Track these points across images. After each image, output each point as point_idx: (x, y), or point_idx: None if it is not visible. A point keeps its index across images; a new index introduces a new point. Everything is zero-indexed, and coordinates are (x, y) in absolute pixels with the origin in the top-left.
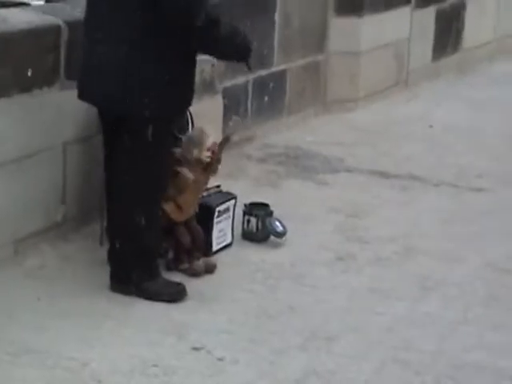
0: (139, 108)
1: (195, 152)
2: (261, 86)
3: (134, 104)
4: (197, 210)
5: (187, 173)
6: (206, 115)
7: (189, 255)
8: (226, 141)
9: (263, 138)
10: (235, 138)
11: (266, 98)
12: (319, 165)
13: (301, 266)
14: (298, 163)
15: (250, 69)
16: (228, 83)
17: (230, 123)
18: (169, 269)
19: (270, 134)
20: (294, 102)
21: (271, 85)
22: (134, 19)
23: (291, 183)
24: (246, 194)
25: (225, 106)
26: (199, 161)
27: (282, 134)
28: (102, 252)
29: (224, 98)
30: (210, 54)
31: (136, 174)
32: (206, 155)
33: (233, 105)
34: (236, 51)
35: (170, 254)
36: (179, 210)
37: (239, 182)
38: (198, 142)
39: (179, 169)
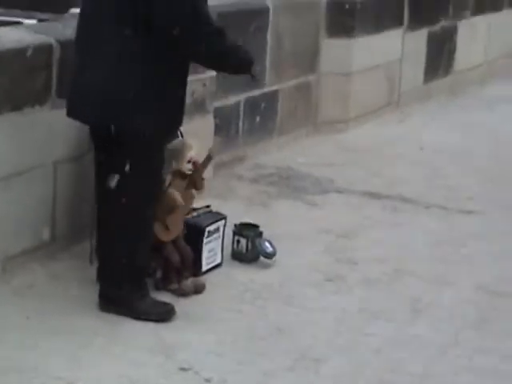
0: (130, 126)
1: (174, 163)
2: (252, 106)
3: (125, 122)
4: (184, 229)
5: (176, 195)
6: (196, 134)
7: (178, 274)
8: (208, 159)
9: (254, 158)
10: (227, 157)
11: (258, 119)
12: (310, 185)
13: (290, 286)
14: (289, 184)
15: (255, 78)
16: (219, 103)
17: (212, 143)
18: (157, 288)
19: (261, 154)
20: (286, 122)
21: (263, 105)
22: (127, 38)
23: (282, 204)
24: (236, 215)
25: (216, 126)
26: (179, 172)
27: (273, 155)
28: (92, 271)
29: (215, 117)
30: (216, 68)
31: (127, 192)
32: (187, 167)
33: (224, 125)
34: (240, 64)
35: (159, 274)
36: (166, 230)
37: (229, 202)
38: (177, 153)
39: (168, 190)
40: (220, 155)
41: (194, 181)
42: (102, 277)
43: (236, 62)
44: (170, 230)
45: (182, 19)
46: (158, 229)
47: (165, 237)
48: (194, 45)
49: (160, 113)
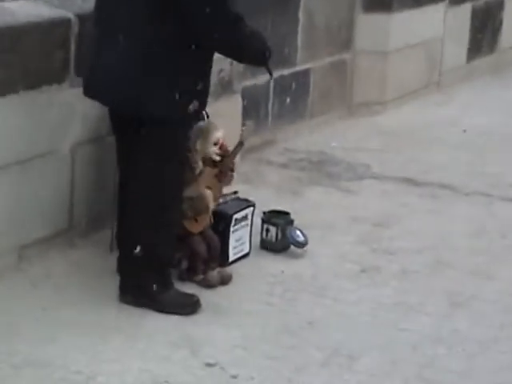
0: (153, 109)
1: (198, 143)
2: (283, 86)
3: (148, 104)
4: (212, 219)
5: (208, 199)
6: (223, 116)
7: (204, 265)
8: (239, 146)
9: (284, 141)
10: (256, 141)
11: (288, 100)
12: (343, 171)
13: (322, 278)
14: (322, 169)
15: (270, 74)
16: (248, 83)
17: (243, 128)
18: (182, 279)
19: (292, 137)
20: (318, 103)
21: (293, 85)
22: (154, 22)
23: (313, 190)
24: (266, 202)
25: (244, 108)
26: (209, 160)
27: (304, 138)
28: (112, 259)
29: (243, 99)
30: (231, 57)
31: (152, 178)
32: (213, 150)
33: (252, 106)
34: (255, 55)
35: (184, 264)
36: (194, 221)
37: (258, 188)
38: (203, 133)
39: (201, 192)
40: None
41: (222, 166)
42: (123, 267)
43: (251, 54)
44: (199, 222)
45: (201, 4)
46: (185, 220)
47: (193, 228)
48: (209, 32)
49: (184, 97)
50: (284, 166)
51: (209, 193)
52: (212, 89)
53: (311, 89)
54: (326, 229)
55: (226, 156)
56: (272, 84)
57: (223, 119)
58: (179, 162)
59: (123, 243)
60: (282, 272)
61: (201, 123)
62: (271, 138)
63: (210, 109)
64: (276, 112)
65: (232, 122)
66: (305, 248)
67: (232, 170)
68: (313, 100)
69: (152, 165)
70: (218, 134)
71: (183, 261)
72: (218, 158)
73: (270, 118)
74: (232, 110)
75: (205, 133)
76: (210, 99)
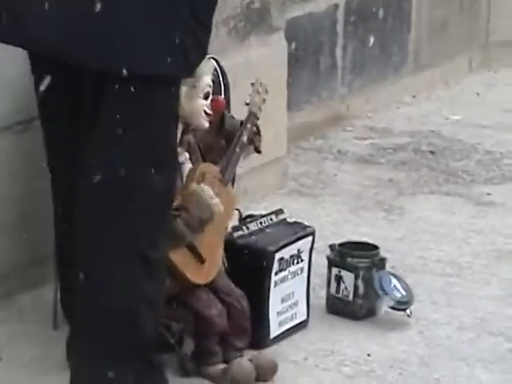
0: (128, 60)
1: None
2: (359, 12)
3: (121, 54)
4: (224, 259)
5: (209, 191)
6: (254, 70)
7: (223, 345)
8: (250, 121)
9: (366, 116)
10: (315, 116)
11: (372, 39)
12: (475, 167)
13: (442, 364)
14: (436, 164)
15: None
16: (297, 12)
17: (254, 90)
18: (186, 371)
19: (380, 108)
20: (429, 44)
21: (380, 11)
22: None
23: (422, 203)
24: (333, 226)
25: (292, 56)
26: (190, 119)
27: (402, 108)
28: (57, 341)
29: (290, 40)
30: None
31: (129, 187)
32: (201, 104)
33: (306, 52)
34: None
35: (189, 344)
36: (198, 262)
37: (320, 201)
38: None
39: (192, 184)
40: (298, 111)
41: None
42: (77, 353)
43: None
44: (207, 264)
45: None
46: (182, 262)
47: (199, 276)
48: None
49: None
50: (365, 159)
51: (203, 188)
52: (233, 23)
53: (415, 19)
54: (447, 275)
55: (237, 142)
56: (342, 9)
57: (254, 74)
58: (172, 143)
59: (75, 313)
60: (369, 356)
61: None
62: (341, 110)
63: (224, 61)
64: (350, 62)
65: (270, 81)
66: (408, 310)
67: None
68: (419, 38)
69: (131, 163)
70: (209, 78)
71: (187, 338)
72: (206, 125)
73: (339, 74)
74: (270, 60)
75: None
76: (232, 41)
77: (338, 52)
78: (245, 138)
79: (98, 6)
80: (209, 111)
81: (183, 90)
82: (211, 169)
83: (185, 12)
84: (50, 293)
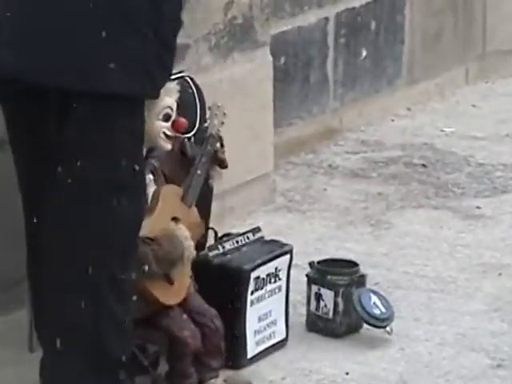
0: (89, 79)
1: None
2: (350, 25)
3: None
4: (194, 282)
5: (187, 239)
6: (239, 86)
7: (198, 366)
8: (212, 141)
9: (360, 129)
10: (305, 130)
11: (364, 52)
12: (467, 180)
13: None
14: (426, 177)
15: None
16: (284, 27)
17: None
18: None
19: (372, 120)
20: (423, 55)
21: (373, 24)
22: None
23: (409, 217)
24: (319, 242)
25: (279, 70)
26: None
27: (398, 121)
28: (34, 364)
29: (275, 54)
30: None
31: (93, 210)
32: (161, 126)
33: (295, 67)
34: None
35: (162, 366)
36: (168, 283)
37: (308, 217)
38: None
39: (163, 224)
40: (288, 126)
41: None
42: (48, 371)
43: None
44: (177, 284)
45: None
46: (151, 284)
47: (168, 297)
48: None
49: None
50: (356, 174)
51: (180, 227)
52: (215, 40)
53: (408, 29)
54: (431, 290)
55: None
56: (333, 23)
57: (239, 91)
58: (139, 172)
59: (45, 333)
60: (347, 375)
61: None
62: (332, 123)
63: (206, 78)
64: (341, 75)
65: (256, 97)
66: (388, 328)
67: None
68: (411, 50)
69: (94, 186)
70: (170, 100)
71: (161, 360)
72: (167, 147)
73: (330, 87)
74: (255, 76)
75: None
76: (215, 57)
77: (329, 65)
78: (205, 160)
79: (57, 24)
80: (169, 133)
81: None
82: (175, 190)
83: (148, 32)
84: (26, 316)
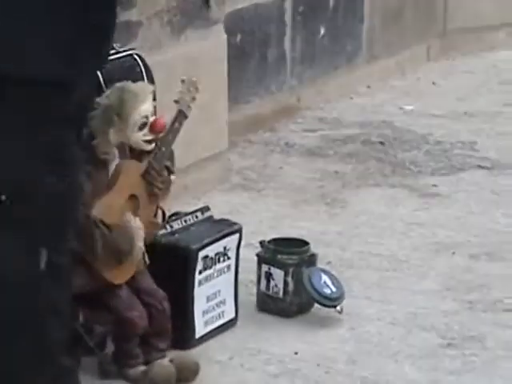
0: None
1: (113, 130)
2: (306, 2)
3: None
4: (145, 255)
5: (132, 220)
6: (192, 64)
7: (145, 347)
8: (179, 120)
9: (319, 106)
10: (262, 108)
11: (323, 30)
12: (424, 157)
13: (370, 363)
14: (384, 156)
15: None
16: (240, 3)
17: (182, 87)
18: (106, 374)
19: (334, 98)
20: (383, 32)
21: (331, 1)
22: None
23: (365, 196)
24: (273, 220)
25: (233, 47)
26: (121, 144)
27: (352, 100)
28: None
29: (230, 32)
30: None
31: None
32: (138, 137)
33: (252, 45)
34: None
35: (109, 346)
36: (115, 261)
37: (263, 195)
38: (118, 105)
39: (129, 218)
40: (245, 104)
41: (155, 170)
42: None
43: None
44: (126, 263)
45: None
46: (98, 261)
47: (115, 275)
48: None
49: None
50: (313, 152)
51: (132, 218)
52: (167, 17)
53: (368, 8)
54: (384, 269)
55: (162, 142)
56: (289, 1)
57: (192, 69)
58: (67, 154)
59: None
60: (296, 354)
61: (117, 85)
62: (290, 101)
63: (159, 56)
64: (299, 53)
65: (211, 75)
66: (338, 307)
67: (168, 170)
68: (371, 26)
69: (22, 168)
70: (145, 108)
71: (107, 339)
72: (149, 147)
73: (288, 65)
74: (209, 54)
75: (121, 104)
76: (167, 35)
77: (287, 43)
78: (171, 137)
79: None
80: (149, 138)
81: (110, 130)
82: (137, 166)
83: (74, 14)
84: None
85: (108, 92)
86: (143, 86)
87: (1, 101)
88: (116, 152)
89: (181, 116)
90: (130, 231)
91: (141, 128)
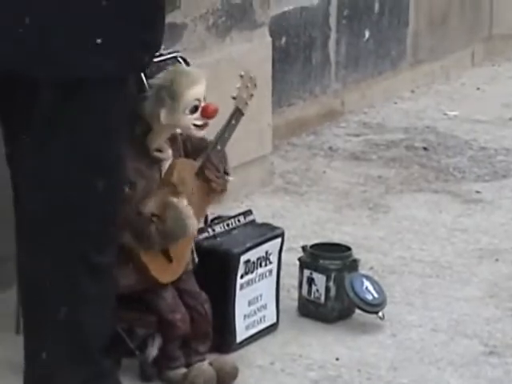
0: (56, 64)
1: (163, 110)
2: (353, 6)
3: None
4: (193, 258)
5: (190, 217)
6: (237, 66)
7: (186, 350)
8: (235, 117)
9: (363, 111)
10: (305, 111)
11: (367, 34)
12: (468, 163)
13: (413, 370)
14: (427, 161)
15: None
16: (285, 7)
17: (240, 84)
18: (146, 376)
19: (378, 102)
20: (429, 37)
21: (376, 5)
22: None
23: (408, 201)
24: (316, 225)
25: (279, 51)
26: (173, 131)
27: (401, 104)
28: (20, 345)
29: (275, 35)
30: None
31: (71, 188)
32: (189, 119)
33: (295, 49)
34: None
35: (152, 348)
36: (166, 260)
37: (305, 199)
38: (170, 89)
39: (176, 202)
40: (289, 107)
41: (209, 166)
42: (25, 352)
43: None
44: (174, 262)
45: None
46: (148, 260)
47: (164, 274)
48: None
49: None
50: (357, 156)
51: (184, 202)
52: (212, 19)
53: (412, 8)
54: (426, 275)
55: (218, 139)
56: (334, 5)
57: (236, 71)
58: (117, 156)
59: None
60: (337, 360)
61: (166, 70)
62: (334, 106)
63: (203, 58)
64: (344, 56)
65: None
66: (380, 313)
67: (222, 171)
68: (416, 29)
69: (69, 166)
70: (197, 90)
71: (150, 341)
72: (199, 134)
73: (332, 69)
74: (253, 56)
75: (173, 89)
76: (212, 37)
77: (331, 47)
78: (227, 135)
79: (27, 19)
80: (199, 122)
81: (162, 110)
82: (190, 164)
83: (128, 11)
84: (13, 296)
85: (161, 74)
86: (197, 70)
87: (79, 102)
88: (169, 151)
89: (237, 113)
90: (181, 216)
91: (192, 111)
